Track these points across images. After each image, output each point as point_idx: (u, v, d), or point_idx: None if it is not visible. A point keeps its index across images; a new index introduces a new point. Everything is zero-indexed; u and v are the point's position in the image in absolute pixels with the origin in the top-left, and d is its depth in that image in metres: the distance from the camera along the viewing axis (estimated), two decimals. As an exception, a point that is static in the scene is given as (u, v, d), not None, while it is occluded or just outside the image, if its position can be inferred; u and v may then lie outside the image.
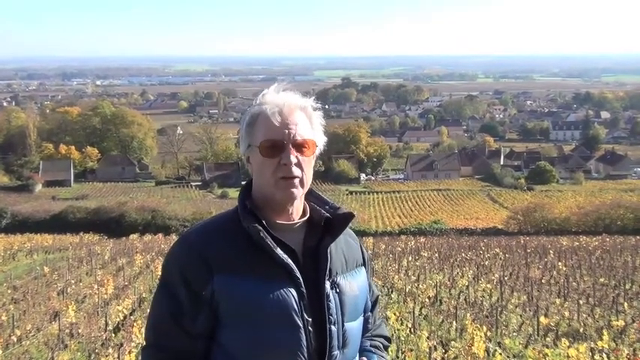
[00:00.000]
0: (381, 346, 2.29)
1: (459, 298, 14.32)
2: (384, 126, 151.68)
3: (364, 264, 2.20)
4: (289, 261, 1.94)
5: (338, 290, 2.02)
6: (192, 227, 2.06)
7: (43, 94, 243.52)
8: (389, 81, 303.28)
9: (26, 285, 17.36)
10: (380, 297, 2.46)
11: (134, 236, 39.46)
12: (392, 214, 60.41)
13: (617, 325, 10.41)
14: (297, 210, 2.05)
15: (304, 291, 1.94)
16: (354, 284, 2.09)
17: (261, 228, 1.92)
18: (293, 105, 2.00)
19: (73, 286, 16.61)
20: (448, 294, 14.96)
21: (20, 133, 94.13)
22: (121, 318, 11.87)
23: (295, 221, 2.04)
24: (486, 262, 22.31)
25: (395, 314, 10.76)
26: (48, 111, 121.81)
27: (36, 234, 41.08)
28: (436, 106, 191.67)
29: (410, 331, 10.07)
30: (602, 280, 17.04)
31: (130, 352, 8.21)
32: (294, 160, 1.94)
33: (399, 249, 27.91)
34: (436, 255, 25.19)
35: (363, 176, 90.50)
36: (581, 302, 13.10)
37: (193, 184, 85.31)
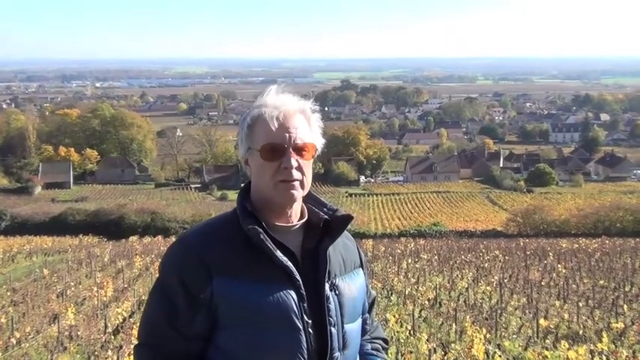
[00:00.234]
0: (381, 348, 2.29)
1: (458, 300, 14.32)
2: (383, 128, 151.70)
3: (361, 265, 2.20)
4: (289, 263, 1.93)
5: (337, 292, 2.02)
6: (190, 229, 2.06)
7: (42, 96, 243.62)
8: (388, 83, 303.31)
9: (25, 287, 17.33)
10: (377, 299, 2.46)
11: (133, 238, 39.45)
12: (391, 217, 60.42)
13: (617, 328, 10.41)
14: (296, 212, 2.05)
15: (304, 293, 1.94)
16: (352, 286, 2.09)
17: (261, 230, 1.92)
18: (293, 108, 1.99)
19: (73, 289, 16.60)
20: (448, 296, 14.95)
21: (20, 135, 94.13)
22: (121, 320, 11.86)
23: (294, 223, 2.04)
24: (486, 265, 22.30)
25: (394, 316, 10.75)
26: (47, 113, 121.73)
27: (35, 236, 41.08)
28: (436, 109, 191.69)
29: (409, 333, 10.06)
30: (601, 282, 17.04)
31: (129, 355, 8.19)
32: (294, 163, 1.94)
33: (399, 251, 27.91)
34: (436, 257, 25.18)
35: (362, 178, 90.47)
36: (580, 304, 13.10)
37: (193, 186, 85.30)
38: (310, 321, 1.93)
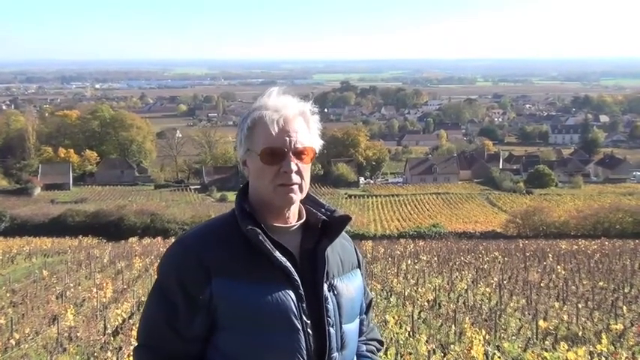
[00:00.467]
0: (375, 350, 2.29)
1: (457, 301, 14.31)
2: (383, 129, 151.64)
3: (359, 266, 2.21)
4: (287, 264, 1.94)
5: (335, 293, 2.03)
6: (189, 230, 2.06)
7: (42, 97, 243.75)
8: (388, 84, 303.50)
9: (25, 288, 17.33)
10: (374, 300, 2.47)
11: (133, 239, 39.45)
12: (391, 218, 60.41)
13: (616, 329, 10.40)
14: (294, 213, 2.05)
15: (302, 293, 1.94)
16: (350, 286, 2.10)
17: (259, 231, 1.92)
18: (293, 111, 1.99)
19: (72, 290, 16.60)
20: (447, 297, 14.95)
21: (19, 137, 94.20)
22: (120, 321, 11.86)
23: (292, 224, 2.04)
24: (485, 266, 22.29)
25: (394, 318, 10.75)
26: (47, 114, 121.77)
27: (35, 237, 41.10)
28: (435, 110, 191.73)
29: (409, 334, 10.07)
30: (601, 283, 17.03)
31: (129, 356, 8.20)
32: (294, 167, 1.95)
33: (398, 252, 27.90)
34: (435, 258, 25.17)
35: (362, 180, 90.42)
36: (580, 306, 13.10)
37: (192, 187, 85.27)
38: (309, 321, 1.94)
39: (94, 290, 15.13)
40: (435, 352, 8.66)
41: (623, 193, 74.24)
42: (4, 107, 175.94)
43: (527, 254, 26.58)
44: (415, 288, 15.89)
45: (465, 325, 10.28)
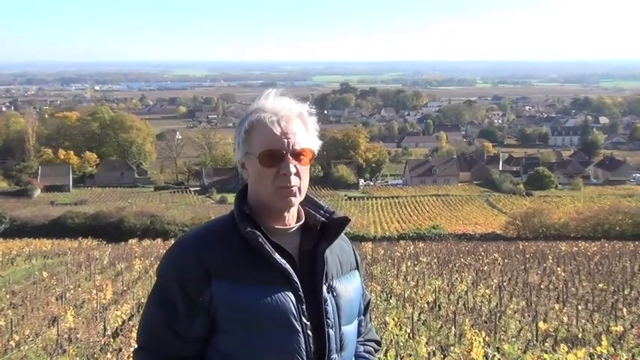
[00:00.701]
0: (373, 350, 2.30)
1: (457, 303, 14.31)
2: (382, 131, 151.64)
3: (357, 267, 2.21)
4: (287, 266, 1.94)
5: (334, 294, 2.03)
6: (189, 232, 2.06)
7: (41, 99, 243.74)
8: (388, 86, 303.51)
9: (25, 290, 17.34)
10: (372, 301, 2.47)
11: (133, 241, 39.44)
12: (391, 220, 60.40)
13: (616, 331, 10.40)
14: (293, 215, 2.05)
15: (302, 295, 1.94)
16: (349, 288, 2.10)
17: (259, 233, 1.92)
18: (291, 113, 1.99)
19: (72, 291, 16.60)
20: (447, 299, 14.95)
21: (19, 138, 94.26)
22: (120, 323, 11.86)
23: (291, 226, 2.04)
24: (485, 268, 22.28)
25: (394, 319, 10.75)
26: (47, 116, 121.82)
27: (34, 239, 41.09)
28: (435, 112, 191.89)
29: (409, 336, 10.07)
30: (600, 285, 17.02)
31: (128, 358, 8.20)
32: (293, 170, 1.95)
33: (398, 254, 27.88)
34: (435, 260, 25.16)
35: (361, 181, 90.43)
36: (580, 307, 13.09)
37: (192, 189, 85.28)
38: (309, 323, 1.94)
39: (94, 292, 15.12)
40: (434, 354, 8.66)
41: (622, 195, 74.29)
42: (3, 109, 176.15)
43: (527, 256, 26.57)
44: (415, 290, 15.89)
45: (465, 327, 10.28)
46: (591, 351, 8.53)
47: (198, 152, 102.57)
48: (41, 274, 19.96)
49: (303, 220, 2.08)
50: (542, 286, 17.23)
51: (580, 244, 35.55)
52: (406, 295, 14.71)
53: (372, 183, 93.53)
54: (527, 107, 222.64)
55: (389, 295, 15.13)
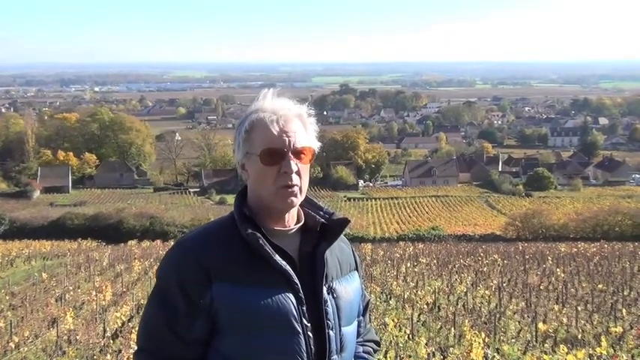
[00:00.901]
0: (372, 351, 2.30)
1: (457, 304, 14.31)
2: (382, 132, 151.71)
3: (357, 268, 2.21)
4: (287, 267, 1.94)
5: (335, 295, 2.03)
6: (188, 234, 2.05)
7: (41, 100, 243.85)
8: (387, 87, 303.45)
9: (24, 291, 17.35)
10: (371, 302, 2.47)
11: (132, 242, 39.46)
12: (390, 221, 60.40)
13: (616, 332, 10.40)
14: (293, 216, 2.05)
15: (302, 297, 1.94)
16: (349, 289, 2.10)
17: (259, 235, 1.92)
18: (290, 112, 1.99)
19: (71, 293, 16.60)
20: (447, 300, 14.95)
21: (18, 140, 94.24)
22: (119, 324, 11.86)
23: (291, 227, 2.04)
24: (485, 269, 22.28)
25: (393, 320, 10.75)
26: (46, 117, 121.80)
27: (34, 240, 41.09)
28: (434, 113, 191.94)
29: (408, 337, 10.07)
30: (600, 286, 17.02)
31: (128, 359, 8.20)
32: (294, 168, 1.95)
33: (398, 255, 27.88)
34: (434, 261, 25.16)
35: (361, 182, 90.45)
36: (579, 308, 13.09)
37: (192, 190, 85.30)
38: (309, 324, 1.94)
39: (94, 293, 15.13)
40: (434, 355, 8.66)
41: (622, 196, 74.32)
42: (3, 110, 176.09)
43: (527, 257, 26.57)
44: (414, 291, 15.89)
45: (465, 328, 10.29)
46: (591, 352, 8.53)
47: (197, 153, 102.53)
48: (41, 276, 19.96)
49: (303, 221, 2.08)
50: (541, 287, 17.24)
51: (579, 245, 35.56)
52: (406, 296, 14.71)
53: (371, 184, 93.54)
54: (526, 108, 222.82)
55: (388, 296, 15.13)
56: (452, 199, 75.77)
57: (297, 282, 1.94)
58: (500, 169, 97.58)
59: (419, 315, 12.43)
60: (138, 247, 35.28)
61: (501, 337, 10.58)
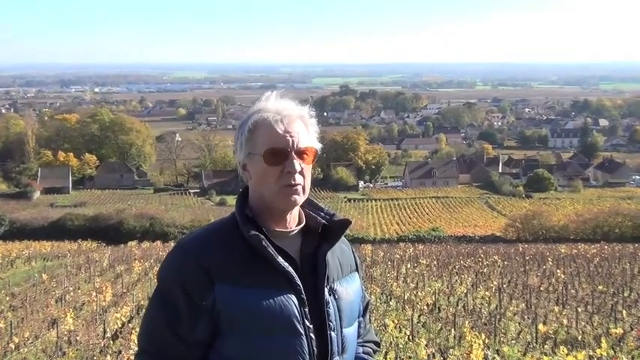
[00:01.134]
0: (372, 351, 2.30)
1: (457, 305, 14.31)
2: (382, 133, 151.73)
3: (357, 269, 2.22)
4: (290, 269, 1.94)
5: (336, 296, 2.03)
6: (189, 235, 2.05)
7: (41, 101, 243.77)
8: (387, 88, 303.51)
9: (24, 292, 17.34)
10: (371, 302, 2.47)
11: (132, 243, 39.43)
12: (390, 222, 60.41)
13: (616, 333, 10.40)
14: (294, 217, 2.05)
15: (305, 298, 1.95)
16: (349, 290, 2.11)
17: (262, 237, 1.92)
18: (293, 113, 2.00)
19: (72, 294, 16.59)
20: (447, 301, 14.95)
21: (18, 140, 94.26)
22: (120, 325, 11.85)
23: (292, 229, 2.04)
24: (485, 270, 22.29)
25: (393, 322, 10.75)
26: (46, 118, 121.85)
27: (34, 241, 41.07)
28: (434, 114, 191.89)
29: (408, 338, 10.07)
30: (600, 287, 17.02)
31: (128, 360, 8.20)
32: (298, 167, 1.95)
33: (398, 256, 27.89)
34: (435, 262, 25.16)
35: (361, 183, 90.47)
36: (579, 310, 13.09)
37: (192, 191, 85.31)
38: (311, 326, 1.94)
39: (94, 294, 15.12)
40: (434, 356, 8.66)
41: (622, 197, 74.31)
42: (3, 111, 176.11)
43: (527, 258, 26.58)
44: (415, 292, 15.90)
45: (465, 329, 10.29)
46: (591, 353, 8.53)
47: (197, 154, 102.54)
48: (41, 277, 19.96)
49: (304, 222, 2.08)
50: (541, 289, 17.24)
51: (579, 247, 35.59)
52: (406, 298, 14.72)
53: (371, 185, 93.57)
54: (526, 109, 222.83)
55: (388, 298, 15.12)
56: (452, 200, 75.78)
57: (300, 283, 1.95)
58: (500, 171, 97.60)
59: (419, 316, 12.43)
60: (138, 248, 35.28)
61: (501, 339, 10.58)
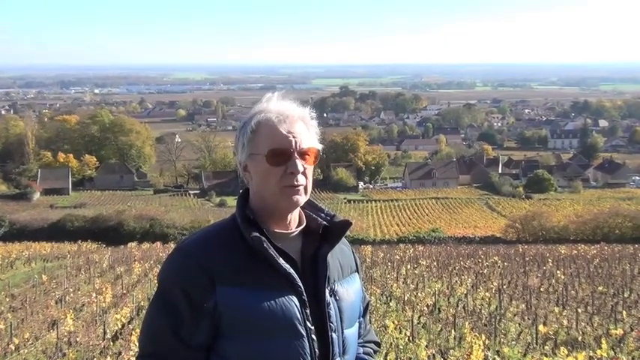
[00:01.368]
0: (372, 351, 2.29)
1: (457, 306, 14.29)
2: (382, 134, 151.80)
3: (357, 270, 2.22)
4: (291, 270, 1.94)
5: (337, 298, 2.03)
6: (189, 237, 2.04)
7: (41, 102, 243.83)
8: (387, 89, 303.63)
9: (24, 293, 17.32)
10: (371, 303, 2.47)
11: (132, 244, 39.42)
12: (390, 223, 60.43)
13: (616, 334, 10.39)
14: (295, 219, 2.05)
15: (306, 299, 1.94)
16: (350, 291, 2.11)
17: (264, 239, 1.92)
18: (295, 114, 2.01)
19: (72, 295, 16.58)
20: (447, 302, 14.93)
21: (18, 142, 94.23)
22: (120, 326, 11.84)
23: (293, 230, 2.04)
24: (485, 271, 22.28)
25: (393, 323, 10.74)
26: (46, 119, 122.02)
27: (34, 242, 41.04)
28: (434, 115, 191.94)
29: (409, 339, 10.06)
30: (600, 288, 17.01)
31: (128, 361, 8.19)
32: (300, 168, 1.95)
33: (398, 257, 27.87)
34: (435, 263, 25.14)
35: (361, 184, 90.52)
36: (579, 311, 13.08)
37: (191, 192, 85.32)
38: (313, 327, 1.94)
39: (94, 295, 15.11)
40: (434, 357, 8.65)
41: (622, 198, 74.31)
42: (3, 112, 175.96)
43: (527, 259, 26.56)
44: (415, 293, 15.89)
45: (465, 330, 10.29)
46: (591, 354, 8.52)
47: (197, 155, 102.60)
48: (41, 278, 19.93)
49: (305, 223, 2.08)
50: (541, 289, 17.23)
51: (579, 247, 35.57)
52: (406, 299, 14.71)
53: (371, 186, 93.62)
54: (526, 110, 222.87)
55: (389, 298, 15.12)
56: (452, 201, 75.79)
57: (301, 285, 1.95)
58: (500, 171, 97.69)
59: (419, 317, 12.42)
60: (138, 249, 35.25)
61: (502, 340, 10.58)
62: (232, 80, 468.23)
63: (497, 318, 12.02)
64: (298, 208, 2.04)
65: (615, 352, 9.24)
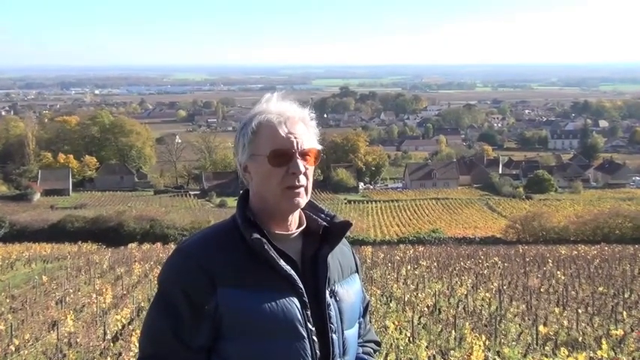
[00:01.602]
0: (372, 351, 2.29)
1: (457, 307, 14.29)
2: (382, 135, 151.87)
3: (357, 270, 2.22)
4: (292, 271, 1.94)
5: (337, 299, 2.03)
6: (190, 238, 2.04)
7: (41, 103, 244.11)
8: (387, 90, 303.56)
9: (24, 294, 17.33)
10: (370, 302, 2.48)
11: (132, 245, 39.41)
12: (390, 223, 60.44)
13: (616, 334, 10.39)
14: (295, 220, 2.05)
15: (307, 301, 1.94)
16: (350, 291, 2.11)
17: (265, 240, 1.92)
18: (295, 115, 2.01)
19: (72, 296, 16.57)
20: (447, 303, 14.93)
21: (19, 142, 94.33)
22: (120, 327, 11.84)
23: (293, 231, 2.04)
24: (485, 271, 22.28)
25: (394, 323, 10.73)
26: (46, 120, 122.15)
27: (34, 243, 41.04)
28: (434, 115, 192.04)
29: (409, 340, 10.05)
30: (600, 289, 17.01)
31: (128, 362, 8.19)
32: (302, 169, 1.95)
33: (398, 258, 27.86)
34: (435, 264, 25.13)
35: (361, 185, 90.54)
36: (580, 311, 13.08)
37: (192, 193, 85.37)
38: (314, 328, 1.94)
39: (94, 296, 15.10)
40: (435, 358, 8.65)
41: (622, 199, 74.29)
42: (3, 113, 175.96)
43: (527, 260, 26.56)
44: (415, 293, 15.89)
45: (465, 331, 10.28)
46: (591, 355, 8.52)
47: (197, 156, 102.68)
48: (41, 279, 19.93)
49: (305, 224, 2.08)
50: (542, 290, 17.23)
51: (580, 248, 35.58)
52: (406, 299, 14.70)
53: (371, 186, 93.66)
54: (526, 111, 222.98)
55: (389, 299, 15.11)
56: (452, 201, 75.79)
57: (302, 286, 1.95)
58: (500, 172, 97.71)
59: (419, 318, 12.42)
60: (138, 250, 35.24)
61: (502, 340, 10.57)
62: (232, 81, 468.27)
63: (498, 318, 12.02)
64: (299, 209, 2.04)
65: (615, 353, 9.24)
